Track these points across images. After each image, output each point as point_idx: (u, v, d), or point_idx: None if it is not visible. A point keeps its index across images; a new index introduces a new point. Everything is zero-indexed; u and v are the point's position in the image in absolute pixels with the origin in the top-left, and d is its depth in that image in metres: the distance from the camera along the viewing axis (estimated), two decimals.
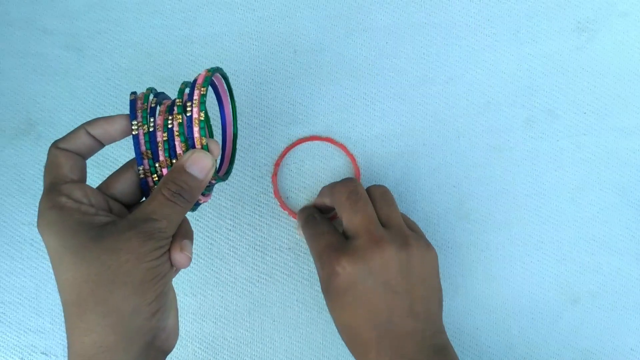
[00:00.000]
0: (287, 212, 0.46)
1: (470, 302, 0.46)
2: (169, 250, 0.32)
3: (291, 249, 0.47)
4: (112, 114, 0.47)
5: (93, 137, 0.33)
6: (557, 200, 0.46)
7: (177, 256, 0.32)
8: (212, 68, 0.35)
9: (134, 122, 0.33)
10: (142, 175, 0.33)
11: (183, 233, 0.33)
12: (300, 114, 0.47)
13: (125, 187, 0.34)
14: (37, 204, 0.46)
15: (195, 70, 0.47)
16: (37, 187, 0.47)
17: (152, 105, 0.34)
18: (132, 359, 0.30)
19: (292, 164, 0.47)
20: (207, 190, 0.36)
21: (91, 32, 0.48)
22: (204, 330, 0.46)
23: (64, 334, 0.46)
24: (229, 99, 0.40)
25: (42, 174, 0.46)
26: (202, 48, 0.48)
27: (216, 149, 0.34)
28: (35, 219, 0.46)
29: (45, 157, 0.47)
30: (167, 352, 0.33)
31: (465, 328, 0.46)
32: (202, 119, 0.32)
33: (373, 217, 0.39)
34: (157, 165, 0.33)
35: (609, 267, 0.46)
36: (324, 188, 0.43)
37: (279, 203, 0.46)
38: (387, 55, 0.47)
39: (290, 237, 0.47)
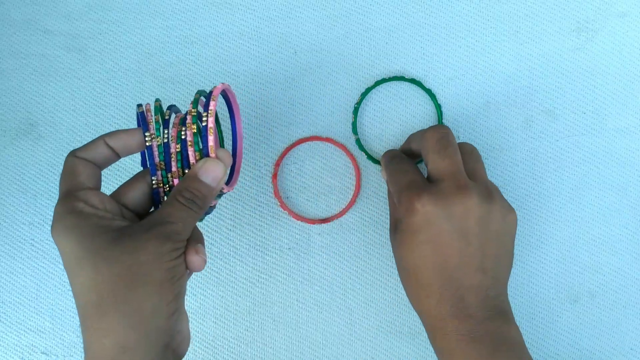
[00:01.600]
0: (287, 212, 0.46)
1: None
2: (184, 253, 0.33)
3: (291, 249, 0.47)
4: (112, 114, 0.47)
5: (111, 148, 0.34)
6: (557, 200, 0.46)
7: (194, 258, 0.33)
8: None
9: (147, 134, 0.34)
10: (154, 186, 0.34)
11: (196, 238, 0.34)
12: (300, 114, 0.47)
13: (136, 196, 0.35)
14: (37, 204, 0.47)
15: (195, 70, 0.47)
16: (38, 187, 0.47)
17: (167, 117, 0.35)
18: None
19: (293, 164, 0.47)
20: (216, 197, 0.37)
21: (92, 32, 0.48)
22: (204, 329, 0.46)
23: (64, 334, 0.46)
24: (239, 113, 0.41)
25: (43, 174, 0.47)
26: (202, 48, 0.48)
27: (228, 158, 0.35)
28: (36, 219, 0.47)
29: (46, 157, 0.47)
30: (181, 356, 0.34)
31: None
32: (194, 131, 0.33)
33: (460, 165, 0.38)
34: (169, 175, 0.34)
35: (609, 267, 0.46)
36: (413, 134, 0.42)
37: (279, 203, 0.46)
38: (387, 55, 0.47)
39: (290, 237, 0.47)
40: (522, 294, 0.46)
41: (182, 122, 0.34)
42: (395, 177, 0.40)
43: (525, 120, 0.47)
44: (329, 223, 0.47)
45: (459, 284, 0.36)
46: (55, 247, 0.46)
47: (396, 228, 0.39)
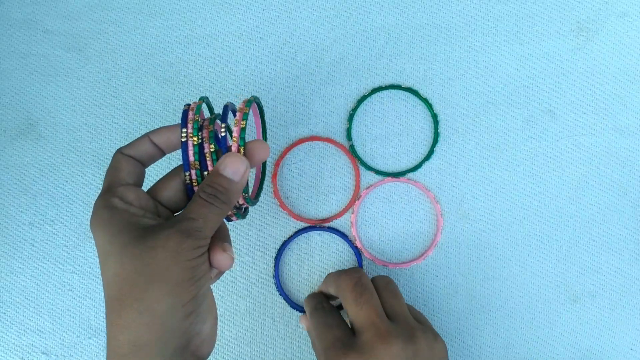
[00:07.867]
0: (287, 212, 0.46)
1: (469, 302, 0.46)
2: (208, 252, 0.32)
3: (291, 249, 0.47)
4: (112, 114, 0.47)
5: (155, 145, 0.35)
6: (557, 200, 0.46)
7: (220, 256, 0.32)
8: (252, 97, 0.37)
9: (183, 130, 0.34)
10: (187, 182, 0.34)
11: (222, 236, 0.34)
12: (300, 114, 0.47)
13: (171, 193, 0.35)
14: (37, 204, 0.47)
15: (195, 70, 0.47)
16: (37, 187, 0.47)
17: (211, 117, 0.35)
18: None
19: (292, 164, 0.47)
20: (239, 214, 0.37)
21: (92, 32, 0.48)
22: None
23: (64, 334, 0.46)
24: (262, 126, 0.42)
25: (43, 174, 0.47)
26: (202, 48, 0.48)
27: (260, 149, 0.35)
28: (36, 219, 0.47)
29: (46, 157, 0.48)
30: (203, 358, 0.33)
31: (464, 328, 0.46)
32: (243, 127, 0.34)
33: (378, 309, 0.38)
34: (205, 173, 0.34)
35: (608, 267, 0.46)
36: (328, 276, 0.42)
37: (278, 203, 0.46)
38: (387, 55, 0.47)
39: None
40: (522, 294, 0.46)
41: (212, 121, 0.35)
42: (320, 332, 0.38)
43: (526, 120, 0.47)
44: (329, 223, 0.47)
45: None
46: (55, 247, 0.47)
47: None
